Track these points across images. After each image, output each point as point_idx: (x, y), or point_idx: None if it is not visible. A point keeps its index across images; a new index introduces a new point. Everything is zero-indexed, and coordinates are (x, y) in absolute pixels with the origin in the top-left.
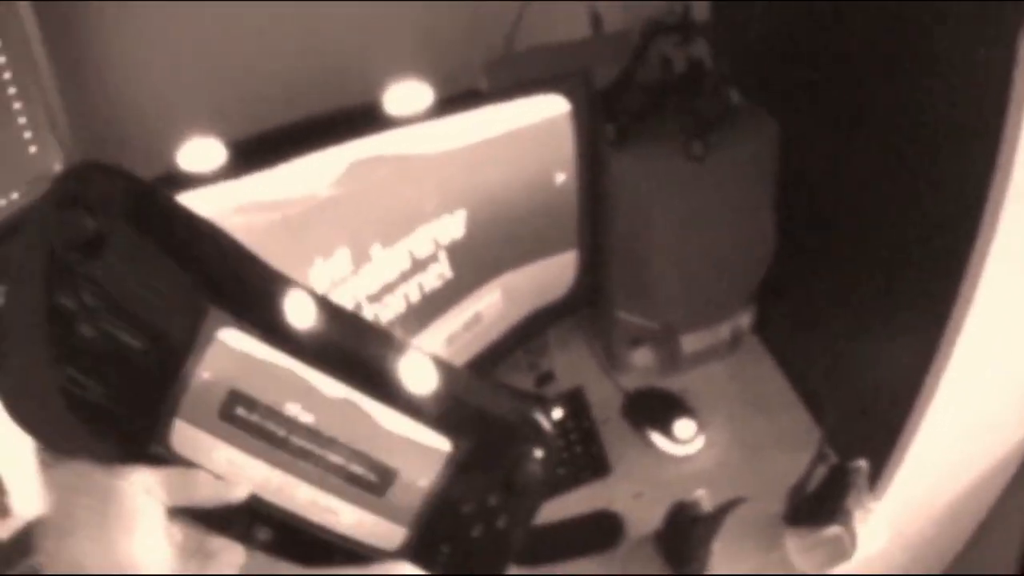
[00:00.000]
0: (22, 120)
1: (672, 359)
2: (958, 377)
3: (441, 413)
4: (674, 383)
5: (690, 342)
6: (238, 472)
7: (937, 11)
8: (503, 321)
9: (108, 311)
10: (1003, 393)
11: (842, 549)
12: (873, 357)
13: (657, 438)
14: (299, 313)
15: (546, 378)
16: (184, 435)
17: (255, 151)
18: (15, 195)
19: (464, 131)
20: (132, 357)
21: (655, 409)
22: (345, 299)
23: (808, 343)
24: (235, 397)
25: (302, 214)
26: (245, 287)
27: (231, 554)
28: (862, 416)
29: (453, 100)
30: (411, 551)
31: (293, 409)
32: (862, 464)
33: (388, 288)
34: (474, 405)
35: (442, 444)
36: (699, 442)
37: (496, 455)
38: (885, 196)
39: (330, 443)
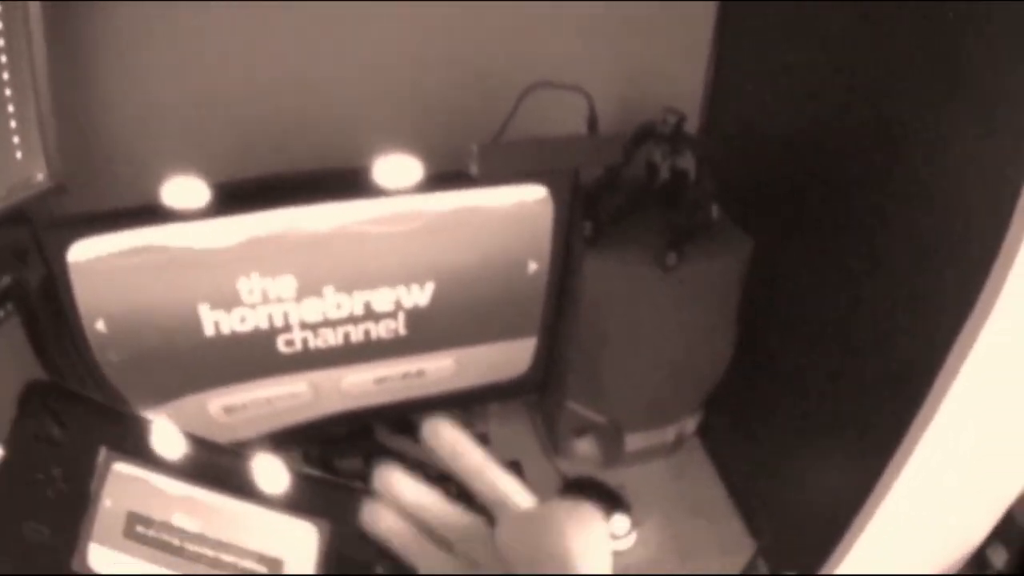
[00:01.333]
0: (13, 124)
1: (614, 454)
2: (896, 508)
3: (299, 503)
4: (613, 476)
5: (634, 440)
6: None
7: (929, 149)
8: (447, 384)
9: (60, 477)
10: (944, 519)
11: None
12: (813, 475)
13: None
14: (171, 445)
15: (479, 440)
16: (99, 555)
17: (239, 195)
18: None
19: (447, 209)
20: (64, 501)
21: (592, 500)
22: (274, 318)
23: (749, 453)
24: (133, 517)
25: (260, 242)
26: (131, 432)
27: None
28: (797, 531)
29: (441, 178)
30: None
31: (180, 520)
32: None
33: (329, 323)
34: (327, 491)
35: (308, 528)
36: (631, 539)
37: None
38: (847, 321)
39: (219, 544)
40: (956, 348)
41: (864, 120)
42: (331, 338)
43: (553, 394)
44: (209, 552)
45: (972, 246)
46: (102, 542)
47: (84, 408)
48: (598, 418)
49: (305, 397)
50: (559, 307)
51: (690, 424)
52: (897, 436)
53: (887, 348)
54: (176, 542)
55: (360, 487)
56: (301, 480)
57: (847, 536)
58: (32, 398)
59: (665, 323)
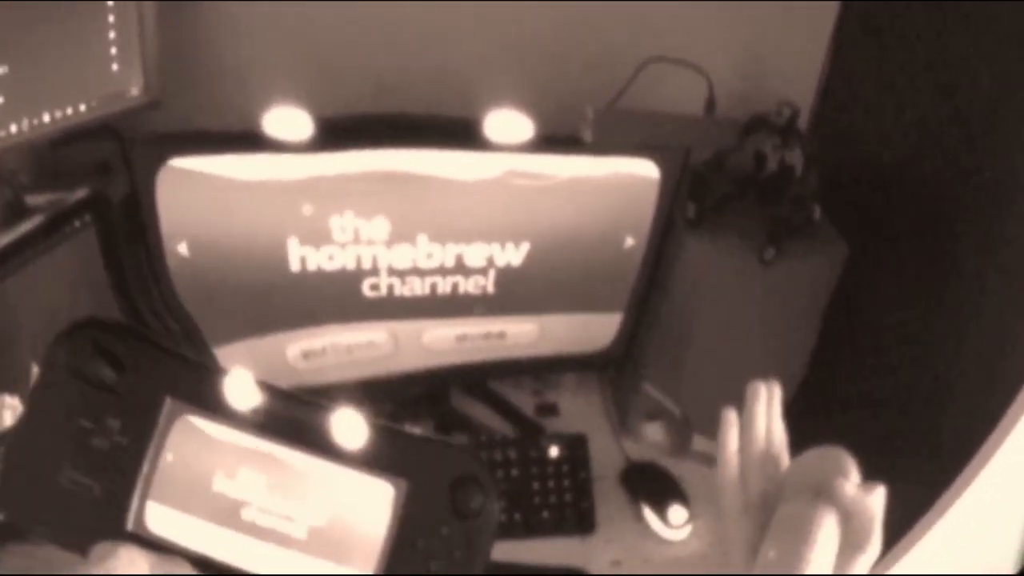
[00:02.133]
0: (112, 35)
1: (681, 446)
2: (939, 541)
3: (377, 460)
4: (675, 467)
5: (701, 441)
6: (207, 540)
7: None
8: (528, 349)
9: (116, 429)
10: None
11: None
12: None
13: (649, 514)
14: (245, 396)
15: (548, 409)
16: (158, 514)
17: (342, 131)
18: (83, 107)
19: (552, 172)
20: (117, 454)
21: (654, 486)
22: (363, 260)
23: None
24: (198, 474)
25: (359, 181)
26: (200, 381)
27: None
28: None
29: (552, 140)
30: None
31: (248, 476)
32: None
33: (418, 272)
34: (406, 448)
35: (385, 487)
36: (687, 531)
37: (437, 486)
38: (925, 342)
39: (287, 503)
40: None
41: (979, 147)
42: (417, 287)
43: (630, 374)
44: (276, 512)
45: None
46: (162, 500)
47: (146, 351)
48: (672, 406)
49: (385, 348)
50: (650, 286)
51: None
52: (951, 476)
53: (960, 382)
54: (242, 501)
55: (445, 440)
56: (382, 435)
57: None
58: (80, 335)
59: (753, 318)
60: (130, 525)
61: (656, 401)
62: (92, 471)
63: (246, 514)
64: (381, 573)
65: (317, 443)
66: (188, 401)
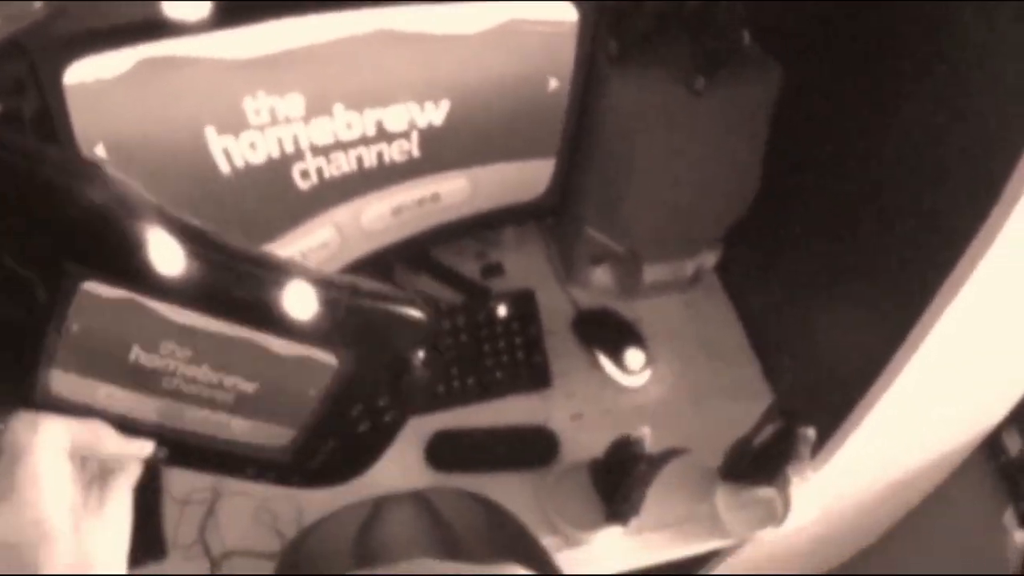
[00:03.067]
0: None
1: (631, 285)
2: (924, 368)
3: (323, 330)
4: (628, 309)
5: (652, 271)
6: (122, 404)
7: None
8: (463, 208)
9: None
10: (963, 393)
11: (773, 513)
12: (835, 325)
13: (605, 362)
14: (166, 259)
15: (493, 270)
16: (64, 381)
17: (240, 7)
18: None
19: (466, 20)
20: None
21: (607, 331)
22: (285, 142)
23: (769, 295)
24: (106, 342)
25: (264, 57)
26: (104, 240)
27: (129, 469)
28: (814, 382)
29: None
30: (296, 448)
31: (168, 347)
32: (811, 432)
33: (341, 146)
34: (356, 315)
35: (328, 358)
36: (646, 375)
37: (381, 358)
38: (883, 164)
39: (211, 371)
40: (1005, 198)
41: None
42: (344, 163)
43: (570, 220)
44: (200, 378)
45: None
46: (69, 369)
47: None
48: (616, 246)
49: (333, 245)
50: (580, 127)
51: (710, 259)
52: (929, 292)
53: (923, 194)
54: (162, 366)
55: (396, 311)
56: (326, 305)
57: (867, 397)
58: None
59: (690, 149)
60: (37, 396)
61: (600, 243)
62: None
63: (167, 383)
64: (304, 431)
65: (253, 315)
66: (95, 267)
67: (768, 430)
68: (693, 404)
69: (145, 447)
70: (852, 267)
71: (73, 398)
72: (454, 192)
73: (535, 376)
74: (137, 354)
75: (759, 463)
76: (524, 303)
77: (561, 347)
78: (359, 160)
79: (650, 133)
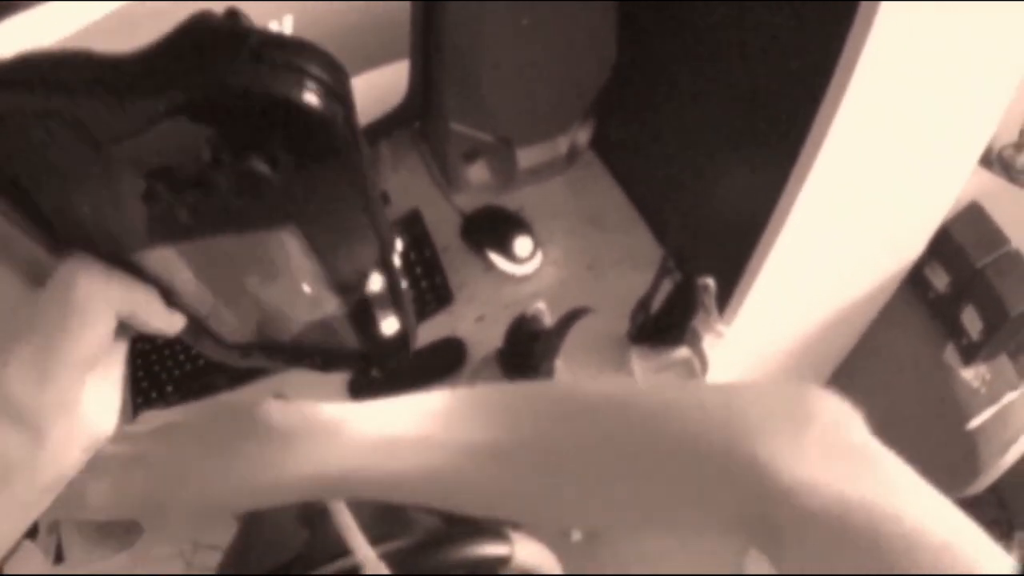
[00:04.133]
0: None
1: (508, 174)
2: (813, 205)
3: None
4: (511, 201)
5: (526, 156)
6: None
7: None
8: None
9: None
10: (865, 228)
11: (691, 371)
12: (718, 176)
13: (496, 258)
14: None
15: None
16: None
17: None
18: None
19: None
20: None
21: (493, 228)
22: None
23: (648, 162)
24: None
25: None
26: None
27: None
28: (708, 238)
29: None
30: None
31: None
32: (708, 282)
33: None
34: None
35: None
36: (537, 260)
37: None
38: (740, 14)
39: None
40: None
41: None
42: None
43: (437, 120)
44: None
45: None
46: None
47: None
48: (485, 136)
49: None
50: (427, 22)
51: (582, 135)
52: (800, 137)
53: (783, 30)
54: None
55: None
56: None
57: (762, 242)
58: None
59: (537, 22)
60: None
61: (469, 137)
62: None
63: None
64: None
65: None
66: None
67: (666, 286)
68: (591, 278)
69: (177, 322)
70: (726, 116)
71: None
72: None
73: (438, 297)
74: None
75: (665, 322)
76: (413, 225)
77: (456, 259)
78: None
79: (496, 13)
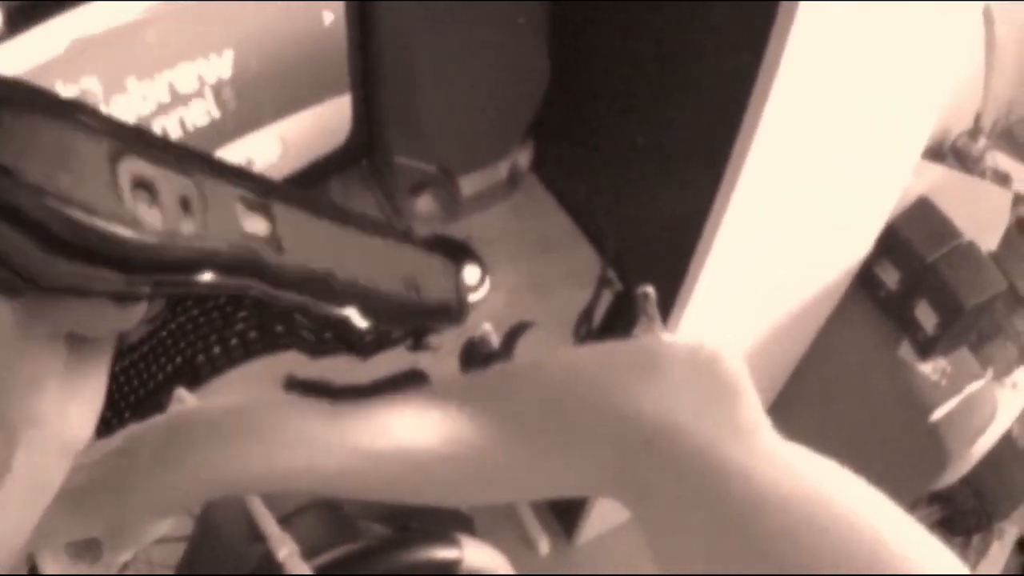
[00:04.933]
0: None
1: (453, 203)
2: (745, 209)
3: None
4: (458, 230)
5: (469, 184)
6: None
7: None
8: (279, 170)
9: None
10: (807, 230)
11: None
12: (654, 189)
13: None
14: None
15: None
16: None
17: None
18: None
19: None
20: None
21: (441, 255)
22: None
23: (587, 182)
24: None
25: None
26: None
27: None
28: (648, 249)
29: None
30: None
31: None
32: (648, 290)
33: (143, 120)
34: None
35: None
36: (486, 287)
37: None
38: (664, 27)
39: None
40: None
41: None
42: None
43: (382, 156)
44: None
45: None
46: None
47: None
48: (428, 167)
49: None
50: (364, 56)
51: (522, 158)
52: (730, 139)
53: (705, 49)
54: None
55: None
56: None
57: (699, 247)
58: None
59: (467, 49)
60: None
61: (413, 169)
62: None
63: None
64: None
65: None
66: None
67: (606, 297)
68: (538, 301)
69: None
70: (658, 126)
71: None
72: (266, 154)
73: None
74: None
75: (608, 333)
76: None
77: None
78: (164, 133)
79: (425, 42)
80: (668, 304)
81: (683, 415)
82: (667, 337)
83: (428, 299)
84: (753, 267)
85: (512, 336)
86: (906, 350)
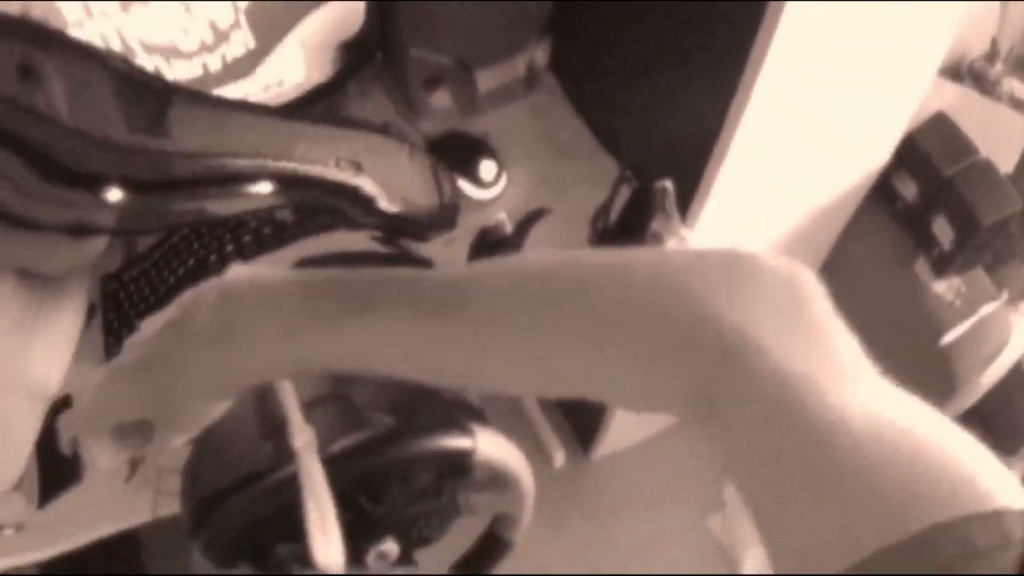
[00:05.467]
0: None
1: (469, 98)
2: (763, 111)
3: None
4: (474, 127)
5: (485, 79)
6: None
7: None
8: (305, 83)
9: None
10: (825, 133)
11: None
12: (672, 89)
13: (462, 182)
14: None
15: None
16: None
17: None
18: None
19: None
20: None
21: (458, 153)
22: (108, 38)
23: (604, 85)
24: None
25: None
26: None
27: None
28: (666, 153)
29: None
30: None
31: None
32: (667, 185)
33: (182, 54)
34: None
35: None
36: (502, 183)
37: None
38: None
39: None
40: None
41: None
42: (187, 71)
43: (397, 51)
44: None
45: None
46: None
47: None
48: (444, 59)
49: None
50: None
51: (539, 55)
52: (750, 39)
53: None
54: None
55: None
56: None
57: (717, 146)
58: None
59: None
60: None
61: (428, 62)
62: None
63: None
64: None
65: None
66: None
67: (624, 193)
68: (553, 200)
69: (95, 249)
70: (676, 25)
71: None
72: (290, 65)
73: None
74: None
75: (625, 228)
76: None
77: None
78: (205, 67)
79: None
80: (685, 203)
81: (764, 331)
82: (686, 233)
83: (377, 178)
84: (770, 170)
85: (526, 222)
86: (921, 267)
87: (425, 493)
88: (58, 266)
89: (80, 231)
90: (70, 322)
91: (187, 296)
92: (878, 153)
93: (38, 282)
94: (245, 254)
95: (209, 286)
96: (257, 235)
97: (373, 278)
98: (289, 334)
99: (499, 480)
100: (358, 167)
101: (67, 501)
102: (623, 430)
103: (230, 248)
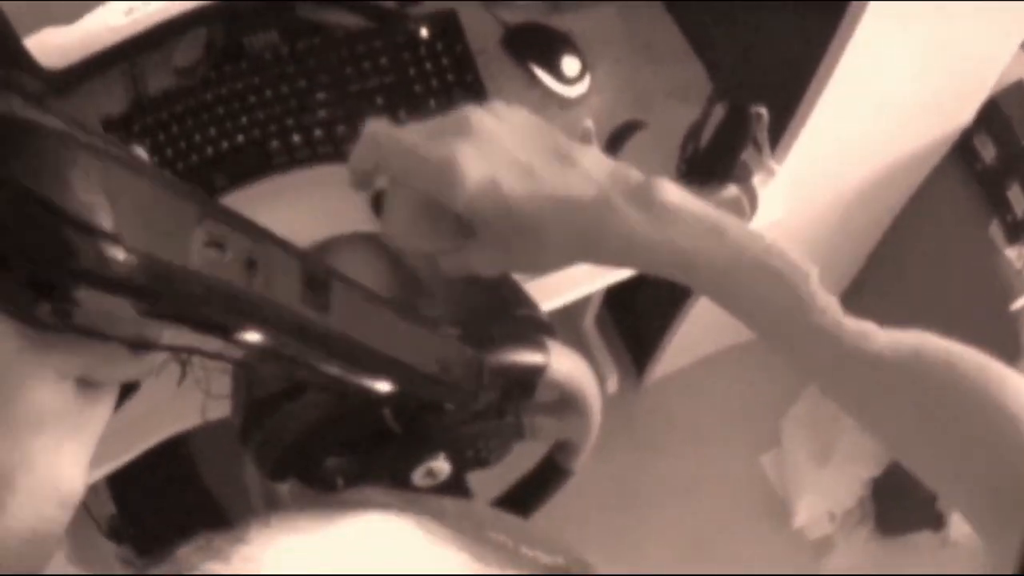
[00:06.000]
0: None
1: None
2: (864, 47)
3: None
4: (558, 23)
5: None
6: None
7: None
8: None
9: None
10: (917, 87)
11: (740, 210)
12: (774, 11)
13: (542, 74)
14: None
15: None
16: None
17: None
18: None
19: None
20: None
21: (539, 44)
22: None
23: None
24: None
25: None
26: None
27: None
28: (763, 75)
29: None
30: None
31: None
32: (762, 111)
33: None
34: None
35: None
36: (585, 83)
37: None
38: None
39: None
40: None
41: None
42: None
43: None
44: None
45: None
46: None
47: None
48: None
49: None
50: None
51: None
52: None
53: None
54: None
55: None
56: None
57: (816, 77)
58: None
59: None
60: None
61: None
62: None
63: None
64: None
65: None
66: None
67: (717, 115)
68: (640, 110)
69: (150, 365)
70: None
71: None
72: None
73: (469, 91)
74: None
75: (716, 154)
76: (447, 22)
77: (493, 66)
78: None
79: None
80: (776, 133)
81: None
82: (776, 167)
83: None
84: (861, 113)
85: (621, 133)
86: (995, 230)
87: (487, 412)
88: (114, 378)
89: (141, 346)
90: (96, 429)
91: None
92: (962, 110)
93: (82, 387)
94: (318, 153)
95: None
96: (329, 133)
97: None
98: None
99: (568, 403)
100: (447, 370)
101: (128, 409)
102: (680, 349)
103: (297, 139)
